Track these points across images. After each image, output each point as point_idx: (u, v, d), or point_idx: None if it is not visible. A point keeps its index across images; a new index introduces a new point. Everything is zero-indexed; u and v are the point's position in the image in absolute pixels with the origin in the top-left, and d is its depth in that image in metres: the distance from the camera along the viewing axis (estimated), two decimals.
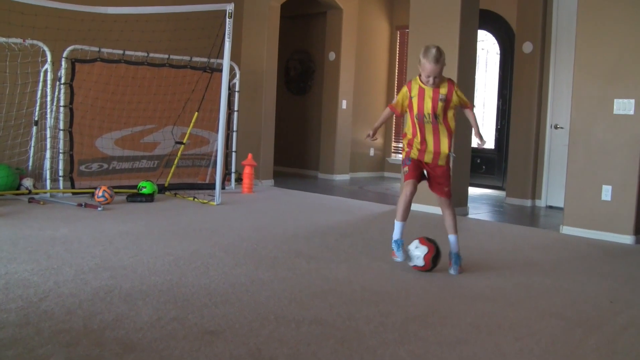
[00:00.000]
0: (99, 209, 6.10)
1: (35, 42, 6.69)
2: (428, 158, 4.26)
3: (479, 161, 9.65)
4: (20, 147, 6.98)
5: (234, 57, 8.08)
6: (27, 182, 6.72)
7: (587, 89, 5.88)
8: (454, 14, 6.83)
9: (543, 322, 3.23)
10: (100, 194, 6.36)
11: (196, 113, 7.57)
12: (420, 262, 4.16)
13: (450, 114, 4.22)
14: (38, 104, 6.97)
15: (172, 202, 6.91)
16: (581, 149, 5.92)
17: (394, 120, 11.11)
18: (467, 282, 4.00)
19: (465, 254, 4.49)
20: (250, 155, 8.10)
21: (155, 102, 7.65)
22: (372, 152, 11.41)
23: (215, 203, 6.80)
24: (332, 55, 10.50)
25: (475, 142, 4.41)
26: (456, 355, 2.71)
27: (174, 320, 2.98)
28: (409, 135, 4.29)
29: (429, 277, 4.07)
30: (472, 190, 8.67)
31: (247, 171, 8.01)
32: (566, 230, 5.99)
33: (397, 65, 11.39)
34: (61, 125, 6.89)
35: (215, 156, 7.32)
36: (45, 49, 6.72)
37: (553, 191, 7.99)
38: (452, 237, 4.28)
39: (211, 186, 7.45)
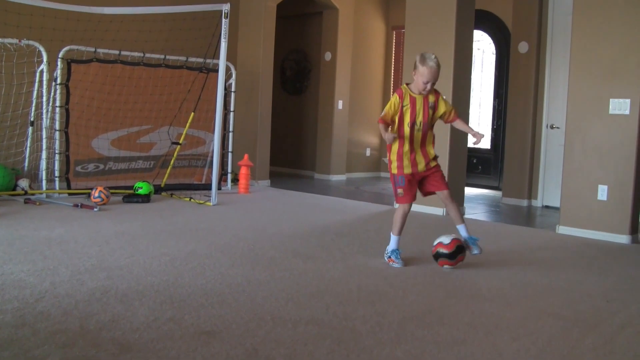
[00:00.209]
0: (95, 209, 6.09)
1: (31, 42, 6.68)
2: (421, 167, 4.36)
3: (475, 161, 9.66)
4: (16, 148, 6.96)
5: (230, 57, 8.08)
6: (23, 183, 6.71)
7: (582, 89, 5.89)
8: (450, 14, 6.83)
9: (540, 321, 3.23)
10: (96, 194, 6.35)
11: (192, 113, 7.56)
12: (447, 240, 4.28)
13: (434, 122, 4.38)
14: (34, 104, 6.96)
15: (168, 202, 6.90)
16: (577, 149, 5.93)
17: None
18: (464, 282, 4.00)
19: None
20: (246, 156, 8.09)
21: (152, 102, 7.65)
22: (368, 152, 11.41)
23: (211, 203, 6.80)
24: (328, 55, 10.50)
25: (471, 142, 4.44)
26: (453, 355, 2.71)
27: (171, 321, 2.97)
28: (396, 146, 4.33)
29: (426, 277, 4.07)
30: (469, 191, 8.68)
31: (243, 171, 8.00)
32: (562, 230, 6.00)
33: (393, 65, 11.40)
34: (57, 126, 6.89)
35: (212, 156, 7.32)
36: (41, 49, 6.71)
37: (549, 191, 8.00)
38: (461, 227, 4.42)
39: (207, 186, 7.44)
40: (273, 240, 5.06)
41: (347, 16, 10.49)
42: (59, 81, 6.84)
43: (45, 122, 6.84)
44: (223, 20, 6.76)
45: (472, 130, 4.41)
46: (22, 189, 6.63)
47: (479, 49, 9.69)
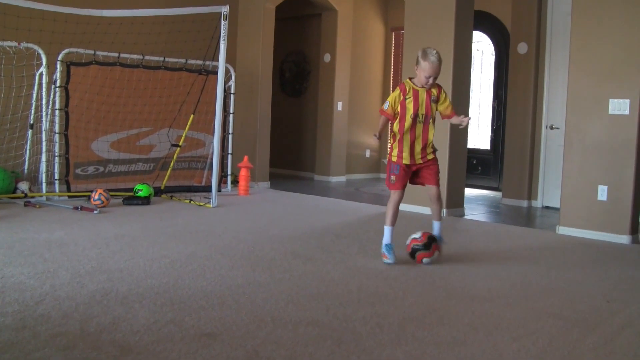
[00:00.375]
0: (95, 212, 6.09)
1: (30, 45, 6.69)
2: (418, 158, 4.49)
3: (474, 162, 9.66)
4: (16, 151, 6.96)
5: (229, 59, 8.09)
6: (23, 186, 6.72)
7: (582, 89, 5.89)
8: (449, 15, 6.84)
9: (540, 322, 3.23)
10: (96, 197, 6.35)
11: (192, 115, 7.56)
12: (418, 235, 4.44)
13: (435, 115, 4.51)
14: (33, 107, 6.96)
15: (168, 204, 6.90)
16: (577, 149, 5.93)
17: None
18: (464, 283, 4.00)
19: (462, 254, 4.64)
20: (246, 158, 8.10)
21: (151, 104, 7.65)
22: (367, 153, 11.41)
23: (211, 205, 6.80)
24: (327, 57, 10.50)
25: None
26: (453, 356, 2.71)
27: (171, 323, 2.97)
28: (398, 135, 4.47)
29: (426, 278, 4.07)
30: (468, 191, 8.67)
31: (243, 173, 8.00)
32: (562, 230, 6.00)
33: (392, 67, 11.40)
34: (57, 129, 6.89)
35: (211, 158, 7.33)
36: (41, 52, 6.71)
37: (549, 191, 8.00)
38: (437, 224, 4.57)
39: (207, 188, 7.45)
40: (273, 241, 5.06)
41: (346, 18, 10.50)
42: (58, 84, 6.84)
43: (44, 124, 6.84)
44: (222, 22, 6.76)
45: (458, 118, 4.51)
46: (22, 192, 6.63)
47: (478, 50, 9.69)
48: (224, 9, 6.76)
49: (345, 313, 3.24)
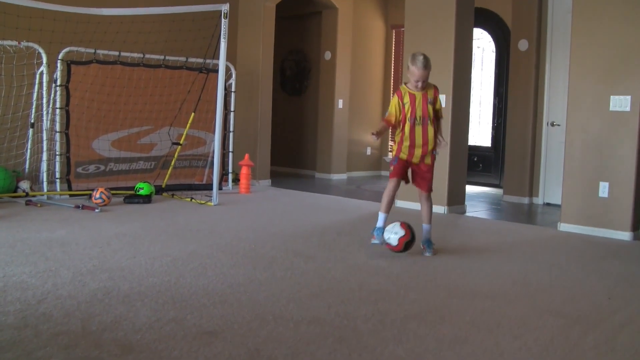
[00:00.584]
0: (96, 210, 6.10)
1: (30, 44, 6.68)
2: (416, 158, 4.68)
3: (475, 159, 9.66)
4: (17, 150, 6.96)
5: (230, 57, 8.08)
6: (24, 185, 6.72)
7: (583, 86, 5.89)
8: (450, 13, 6.83)
9: (541, 319, 3.23)
10: (97, 195, 6.36)
11: (192, 114, 7.56)
12: (394, 242, 4.52)
13: (432, 116, 4.66)
14: (34, 106, 6.95)
15: (169, 203, 6.90)
16: (578, 146, 5.93)
17: None
18: (465, 281, 4.00)
19: (464, 252, 4.66)
20: (247, 156, 8.10)
21: (152, 103, 7.65)
22: (368, 151, 11.41)
23: (212, 203, 6.80)
24: (327, 55, 10.50)
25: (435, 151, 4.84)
26: (455, 354, 2.71)
27: (173, 321, 2.98)
28: (397, 139, 4.70)
29: (427, 276, 4.07)
30: (470, 189, 8.68)
31: (244, 171, 8.01)
32: (564, 227, 6.00)
33: (392, 64, 11.39)
34: (57, 128, 6.89)
35: (212, 157, 7.32)
36: (41, 51, 6.71)
37: (550, 188, 8.00)
38: (426, 226, 4.75)
39: (208, 187, 7.45)
40: (274, 240, 5.06)
41: (346, 15, 10.49)
42: (58, 83, 6.84)
43: (45, 123, 6.84)
44: (222, 20, 6.76)
45: (441, 137, 4.76)
46: (23, 191, 6.64)
47: (478, 47, 9.68)
48: (224, 7, 6.75)
49: (346, 311, 3.24)
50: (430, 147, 4.65)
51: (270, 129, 9.32)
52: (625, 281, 4.16)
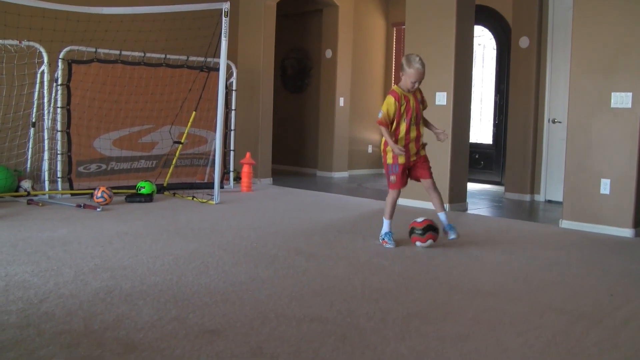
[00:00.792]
0: (98, 209, 6.10)
1: (31, 43, 6.69)
2: (412, 154, 4.84)
3: (477, 157, 9.65)
4: (18, 149, 6.97)
5: (231, 56, 8.08)
6: (26, 184, 6.72)
7: (584, 83, 5.88)
8: (450, 10, 6.82)
9: (544, 316, 3.23)
10: (99, 194, 6.36)
11: (194, 112, 7.56)
12: (420, 219, 4.80)
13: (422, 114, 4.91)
14: (35, 105, 6.96)
15: (171, 201, 6.90)
16: (579, 143, 5.92)
17: None
18: (467, 278, 4.00)
19: (465, 249, 4.68)
20: (248, 154, 8.10)
21: (153, 102, 7.65)
22: (370, 149, 11.41)
23: (214, 202, 6.80)
24: (328, 53, 10.49)
25: (430, 145, 5.11)
26: (457, 351, 2.71)
27: (175, 320, 2.98)
28: (393, 139, 4.77)
29: (430, 273, 4.07)
30: (471, 186, 8.68)
31: (245, 170, 8.01)
32: (565, 224, 6.00)
33: (393, 62, 11.38)
34: (59, 127, 6.89)
35: (214, 155, 7.32)
36: (42, 50, 6.71)
37: (552, 185, 7.99)
38: (442, 215, 4.86)
39: (210, 185, 7.45)
40: (276, 238, 5.06)
41: (347, 13, 10.48)
42: (60, 82, 6.84)
43: (46, 123, 6.85)
44: (223, 19, 6.76)
45: (434, 127, 5.01)
46: (25, 190, 6.64)
47: (479, 45, 9.67)
48: (225, 6, 6.75)
49: (349, 309, 3.24)
50: (421, 140, 4.87)
51: (271, 127, 9.32)
52: (627, 278, 4.16)
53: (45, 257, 4.16)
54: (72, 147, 7.03)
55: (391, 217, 4.89)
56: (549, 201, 7.99)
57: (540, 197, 8.11)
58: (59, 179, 6.90)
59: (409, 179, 4.98)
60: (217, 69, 7.09)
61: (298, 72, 11.35)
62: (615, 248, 5.14)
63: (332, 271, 4.04)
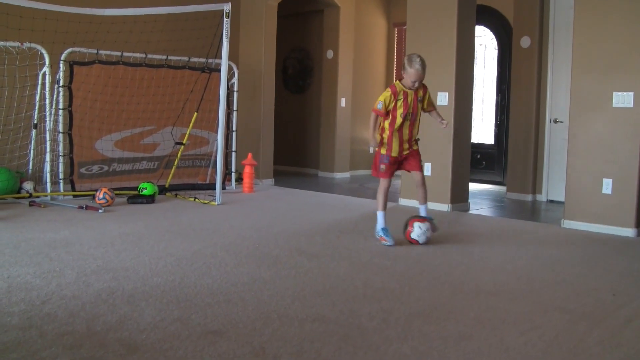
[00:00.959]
0: (100, 211, 6.10)
1: (33, 45, 6.69)
2: (405, 149, 4.99)
3: (478, 157, 9.65)
4: (20, 151, 6.98)
5: (232, 56, 8.08)
6: (28, 185, 6.73)
7: (585, 83, 5.87)
8: (452, 10, 6.83)
9: (546, 316, 3.23)
10: (101, 196, 6.36)
11: (195, 113, 7.57)
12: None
13: (420, 112, 5.04)
14: (37, 107, 6.97)
15: (172, 202, 6.91)
16: (581, 143, 5.92)
17: None
18: (469, 278, 4.00)
19: (467, 249, 4.70)
20: (250, 155, 8.10)
21: (154, 103, 7.65)
22: (371, 149, 11.39)
23: (216, 203, 6.81)
24: (330, 53, 10.50)
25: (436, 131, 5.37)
26: (460, 351, 2.71)
27: (177, 321, 2.98)
28: (388, 132, 4.95)
29: (432, 273, 4.07)
30: (473, 186, 8.68)
31: (247, 171, 8.01)
32: (567, 224, 5.99)
33: (395, 62, 11.38)
34: (60, 128, 6.89)
35: (215, 156, 7.32)
36: (43, 51, 6.72)
37: (553, 185, 7.99)
38: (422, 208, 5.06)
39: (212, 186, 7.46)
40: (278, 238, 5.06)
41: (348, 13, 10.49)
42: (61, 83, 6.84)
43: (48, 124, 6.85)
44: (224, 19, 6.76)
45: (439, 117, 5.17)
46: (27, 192, 6.65)
47: (481, 45, 9.67)
48: (226, 7, 6.76)
49: (351, 309, 3.24)
50: (414, 136, 5.01)
51: (273, 127, 9.32)
52: (629, 277, 4.15)
53: (48, 258, 4.16)
54: (73, 149, 7.03)
55: (384, 208, 4.98)
56: (551, 201, 7.98)
57: (542, 197, 8.11)
58: (61, 181, 6.91)
59: (403, 171, 5.24)
60: (219, 70, 7.10)
61: (299, 72, 11.36)
62: (617, 247, 5.13)
63: (334, 271, 4.04)
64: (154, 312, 3.09)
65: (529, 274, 4.15)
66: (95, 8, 6.79)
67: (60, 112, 6.88)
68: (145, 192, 6.84)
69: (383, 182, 5.02)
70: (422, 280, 3.89)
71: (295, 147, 11.37)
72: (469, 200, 7.30)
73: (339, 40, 10.38)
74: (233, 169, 8.32)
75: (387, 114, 4.91)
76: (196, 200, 7.00)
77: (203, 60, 7.76)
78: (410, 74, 4.80)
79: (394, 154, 4.96)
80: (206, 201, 6.89)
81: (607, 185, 5.74)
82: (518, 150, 8.21)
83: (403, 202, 7.11)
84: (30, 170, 7.01)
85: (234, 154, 8.30)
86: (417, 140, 5.07)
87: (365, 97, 11.14)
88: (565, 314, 3.27)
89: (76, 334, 2.77)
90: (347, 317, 3.10)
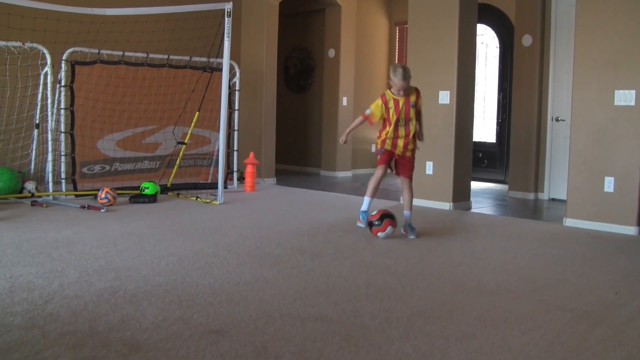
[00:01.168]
0: (102, 210, 6.11)
1: (34, 45, 6.70)
2: (399, 150, 5.29)
3: (480, 155, 9.64)
4: (22, 151, 6.98)
5: (234, 56, 8.08)
6: (30, 185, 6.74)
7: (587, 81, 5.87)
8: (453, 9, 6.82)
9: (548, 315, 3.23)
10: (102, 195, 6.37)
11: (197, 113, 7.57)
12: (374, 212, 5.16)
13: (416, 116, 5.28)
14: (39, 106, 6.97)
15: (174, 202, 6.91)
16: (583, 141, 5.91)
17: None
18: (471, 277, 4.00)
19: (469, 248, 4.68)
20: (252, 154, 8.10)
21: (156, 102, 7.66)
22: (373, 148, 11.40)
23: (217, 202, 6.81)
24: (331, 52, 10.50)
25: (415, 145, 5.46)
26: (462, 350, 2.71)
27: (179, 320, 2.98)
28: (383, 136, 5.31)
29: (434, 273, 4.07)
30: (475, 185, 8.67)
31: (249, 170, 8.01)
32: (569, 222, 5.99)
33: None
34: (62, 128, 6.90)
35: (217, 155, 7.33)
36: (45, 51, 6.72)
37: (555, 184, 7.98)
38: (407, 213, 5.28)
39: (213, 185, 7.46)
40: (280, 238, 5.06)
41: (349, 13, 10.48)
42: (63, 83, 6.85)
43: (50, 124, 6.86)
44: (226, 19, 6.76)
45: (421, 131, 5.43)
46: (29, 192, 6.66)
47: (482, 43, 9.66)
48: (228, 6, 6.76)
49: (353, 308, 3.24)
50: (410, 143, 5.27)
51: (274, 127, 9.32)
52: (631, 276, 4.15)
53: (50, 258, 4.16)
54: (75, 148, 7.04)
55: (372, 195, 5.31)
56: (553, 199, 7.98)
57: (544, 196, 8.10)
58: (63, 180, 6.92)
59: (395, 175, 5.47)
60: (220, 69, 7.10)
61: (301, 71, 11.36)
62: (619, 246, 5.13)
63: (336, 271, 4.04)
64: (156, 312, 3.09)
65: (531, 272, 4.14)
66: (96, 8, 6.79)
67: (62, 111, 6.88)
68: (147, 191, 6.84)
69: (378, 170, 5.28)
70: (424, 280, 3.89)
71: (297, 146, 11.36)
72: (471, 199, 7.30)
73: (341, 40, 10.38)
74: (235, 168, 8.32)
75: (383, 120, 5.30)
76: (198, 199, 7.01)
77: (204, 59, 7.77)
78: (394, 82, 5.11)
79: (388, 147, 5.30)
80: (208, 200, 6.90)
81: (609, 184, 5.73)
82: (520, 149, 8.20)
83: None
84: (32, 170, 7.02)
85: (235, 153, 8.30)
86: (415, 147, 5.35)
87: (367, 96, 11.11)
88: (567, 313, 3.27)
89: (78, 333, 2.78)
90: (349, 317, 3.10)
